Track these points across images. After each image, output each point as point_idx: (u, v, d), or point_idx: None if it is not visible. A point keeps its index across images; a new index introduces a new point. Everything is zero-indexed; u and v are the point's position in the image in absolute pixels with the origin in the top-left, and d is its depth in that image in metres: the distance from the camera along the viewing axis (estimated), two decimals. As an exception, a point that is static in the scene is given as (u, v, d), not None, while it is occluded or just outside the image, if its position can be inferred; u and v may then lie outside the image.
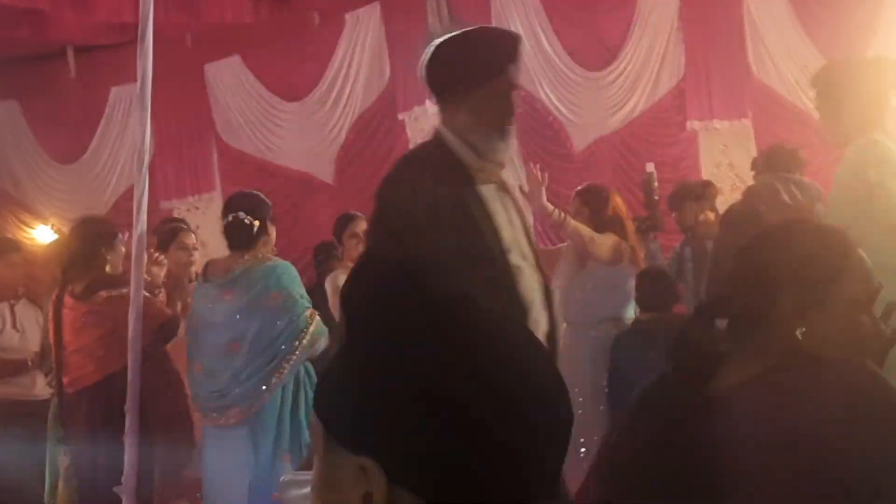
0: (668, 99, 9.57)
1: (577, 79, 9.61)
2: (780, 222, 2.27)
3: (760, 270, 1.98)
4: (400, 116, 9.87)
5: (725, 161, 9.26)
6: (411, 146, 8.62)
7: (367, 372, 1.04)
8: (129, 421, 4.63)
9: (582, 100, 9.64)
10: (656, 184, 6.29)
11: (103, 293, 5.02)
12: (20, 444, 5.87)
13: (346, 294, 1.13)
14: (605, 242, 5.47)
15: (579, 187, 5.91)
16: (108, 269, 5.16)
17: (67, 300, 5.04)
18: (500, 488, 1.01)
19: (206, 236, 8.37)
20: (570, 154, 9.56)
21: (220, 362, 4.71)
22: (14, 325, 6.08)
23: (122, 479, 4.62)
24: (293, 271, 4.84)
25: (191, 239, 5.85)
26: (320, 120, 10.14)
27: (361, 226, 6.13)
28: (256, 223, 4.80)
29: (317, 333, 4.75)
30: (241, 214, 4.82)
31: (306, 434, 4.71)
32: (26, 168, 10.99)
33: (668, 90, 9.56)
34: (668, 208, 6.47)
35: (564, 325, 5.30)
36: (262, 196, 5.04)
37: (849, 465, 1.76)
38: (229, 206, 4.95)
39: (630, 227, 5.75)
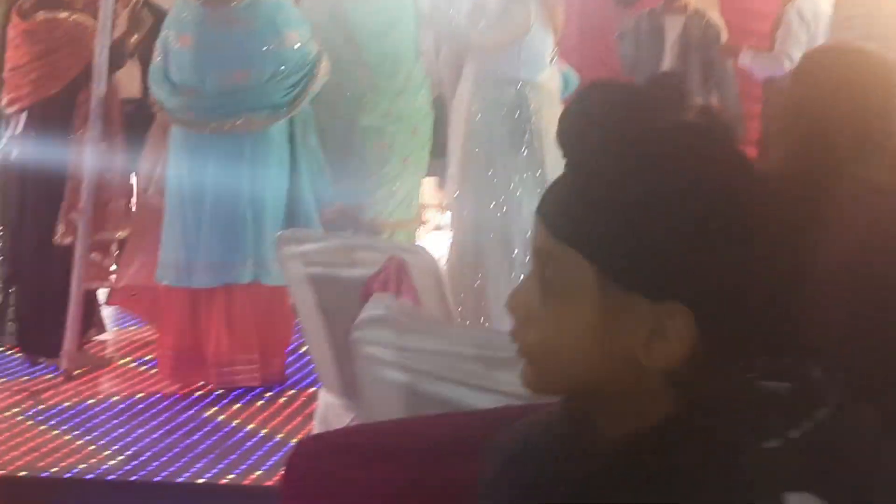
0: None
1: None
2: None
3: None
4: None
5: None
6: None
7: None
8: (92, 133, 4.66)
9: None
10: None
11: (42, 14, 4.89)
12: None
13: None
14: (494, 35, 4.94)
15: None
16: None
17: (13, 16, 4.93)
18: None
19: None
20: None
21: (220, 87, 4.57)
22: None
23: (80, 207, 4.68)
24: (297, 10, 4.73)
25: None
26: None
27: None
28: None
29: (327, 66, 4.67)
30: None
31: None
32: None
33: None
34: None
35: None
36: None
37: None
38: None
39: None
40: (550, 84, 5.09)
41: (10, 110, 4.94)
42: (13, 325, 5.10)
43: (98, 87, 4.64)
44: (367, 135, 4.96)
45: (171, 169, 4.66)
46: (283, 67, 4.55)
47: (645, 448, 1.01)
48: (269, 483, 3.71)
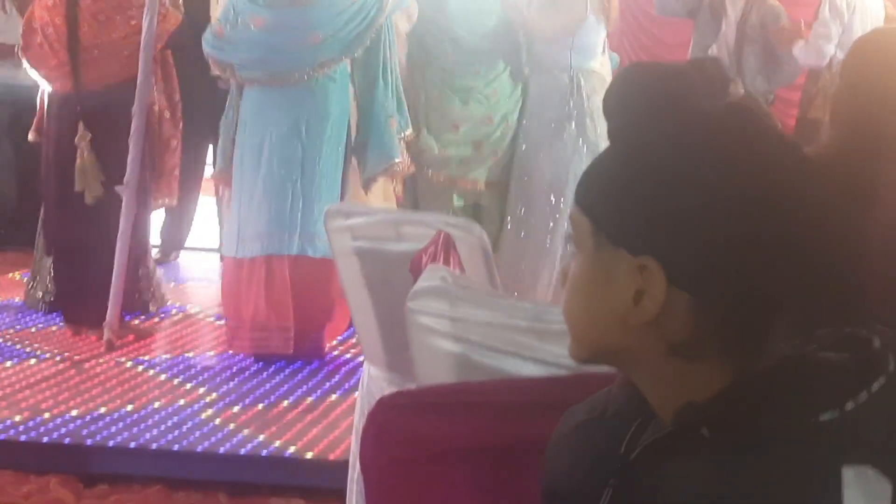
0: None
1: None
2: None
3: None
4: None
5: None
6: None
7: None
8: (135, 124, 4.67)
9: None
10: None
11: None
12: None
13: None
14: (550, 24, 5.11)
15: None
16: None
17: None
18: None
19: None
20: None
21: (293, 50, 4.63)
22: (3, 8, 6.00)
23: (125, 180, 4.70)
24: None
25: None
26: None
27: None
28: None
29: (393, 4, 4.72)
30: None
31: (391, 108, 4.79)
32: None
33: None
34: None
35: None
36: None
37: None
38: None
39: None
40: (602, 70, 5.27)
41: (92, 88, 4.85)
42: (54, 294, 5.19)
43: (144, 65, 4.67)
44: (469, 95, 5.09)
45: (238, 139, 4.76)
46: (346, 20, 4.62)
47: (696, 421, 1.01)
48: (309, 455, 3.76)
